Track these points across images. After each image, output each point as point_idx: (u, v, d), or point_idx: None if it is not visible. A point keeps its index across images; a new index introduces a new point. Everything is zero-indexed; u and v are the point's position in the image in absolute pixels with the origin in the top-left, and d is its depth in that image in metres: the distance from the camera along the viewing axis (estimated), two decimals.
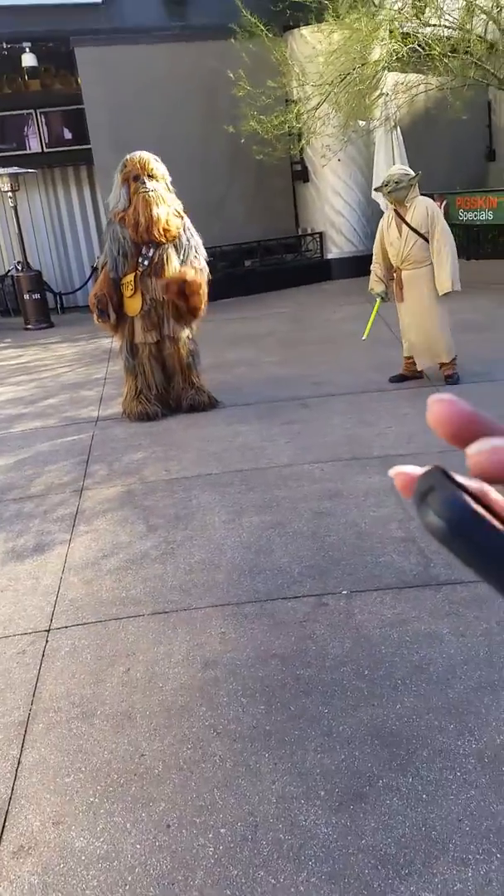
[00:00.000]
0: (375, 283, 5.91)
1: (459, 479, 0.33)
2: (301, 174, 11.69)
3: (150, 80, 10.36)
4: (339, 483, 4.23)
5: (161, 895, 1.87)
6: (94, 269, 11.89)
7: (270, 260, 11.90)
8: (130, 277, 5.58)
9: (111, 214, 5.67)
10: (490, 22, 8.74)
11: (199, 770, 2.25)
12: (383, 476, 4.24)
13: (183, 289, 5.48)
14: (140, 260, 5.52)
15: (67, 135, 12.33)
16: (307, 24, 9.50)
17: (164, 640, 2.93)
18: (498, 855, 1.89)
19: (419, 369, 5.97)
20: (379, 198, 10.26)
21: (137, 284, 5.57)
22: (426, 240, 5.59)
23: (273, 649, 2.78)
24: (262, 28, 9.08)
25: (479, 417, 0.32)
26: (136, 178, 5.44)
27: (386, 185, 5.59)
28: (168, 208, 5.53)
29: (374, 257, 5.91)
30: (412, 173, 5.60)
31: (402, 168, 5.65)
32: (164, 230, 5.48)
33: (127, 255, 5.55)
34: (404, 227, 5.61)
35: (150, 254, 5.49)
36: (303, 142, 10.04)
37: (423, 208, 5.59)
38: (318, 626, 2.90)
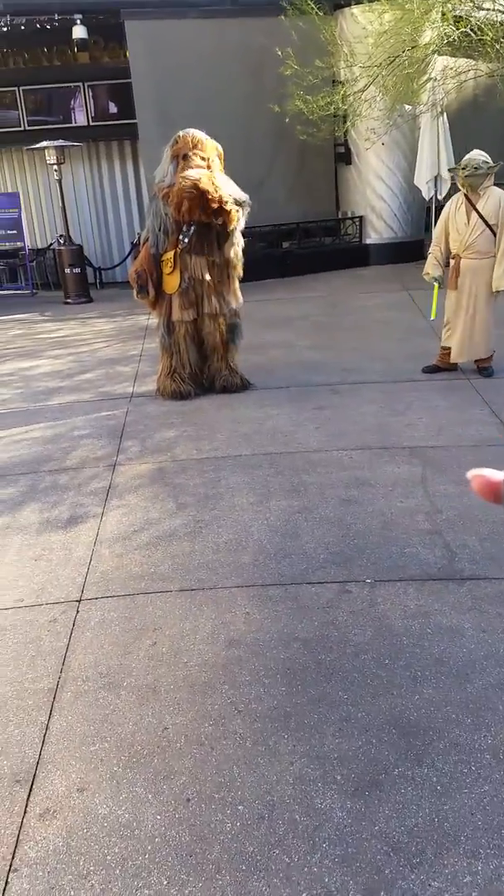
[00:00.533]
0: (432, 267, 5.83)
1: None
2: (344, 156, 11.56)
3: (198, 55, 10.29)
4: (368, 471, 4.25)
5: (179, 866, 1.94)
6: (134, 245, 11.91)
7: (309, 242, 11.82)
8: (170, 254, 5.60)
9: (155, 189, 5.64)
10: None
11: (220, 747, 2.32)
12: (412, 466, 4.25)
13: (205, 205, 5.29)
14: (180, 237, 5.52)
15: (113, 109, 12.32)
16: (359, 2, 9.34)
17: (190, 616, 2.99)
18: None
19: (453, 361, 5.92)
20: (422, 184, 10.14)
21: (177, 262, 5.58)
22: (493, 232, 5.53)
23: (296, 632, 2.83)
24: (313, 6, 8.95)
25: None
26: (185, 156, 5.42)
27: (463, 169, 5.48)
28: (224, 190, 5.36)
29: (434, 240, 5.83)
30: (491, 161, 5.50)
31: (481, 154, 5.48)
32: (226, 213, 5.34)
33: (168, 231, 5.55)
34: (473, 214, 5.54)
35: (191, 232, 5.49)
36: (348, 124, 9.92)
37: (496, 199, 5.51)
38: (340, 612, 2.94)
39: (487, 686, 2.48)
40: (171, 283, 5.67)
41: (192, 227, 5.45)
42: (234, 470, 4.43)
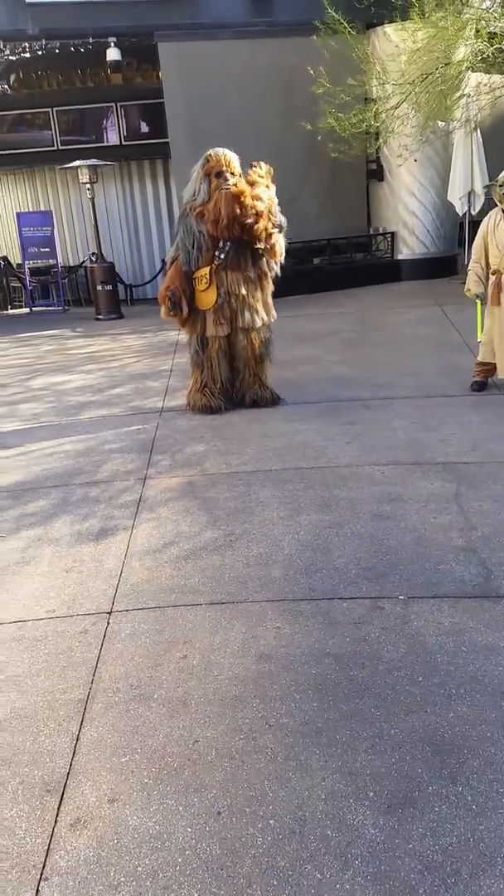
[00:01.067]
0: (474, 284, 5.83)
1: None
2: (376, 173, 11.61)
3: (230, 75, 10.44)
4: (400, 487, 4.22)
5: (210, 879, 1.93)
6: (165, 263, 12.07)
7: (340, 258, 11.86)
8: (205, 271, 5.65)
9: (186, 207, 5.71)
10: None
11: (251, 761, 2.30)
12: (445, 482, 4.21)
13: (242, 224, 5.47)
14: (216, 254, 5.58)
15: (145, 128, 12.54)
16: (391, 21, 9.41)
17: (221, 630, 2.99)
18: None
19: (501, 375, 5.84)
20: (455, 199, 10.13)
21: (212, 278, 5.64)
22: None
23: (327, 648, 2.81)
24: (346, 25, 9.04)
25: None
26: (218, 174, 5.50)
27: (501, 186, 5.50)
28: (265, 207, 5.52)
29: (473, 256, 5.84)
30: None
31: None
32: (267, 234, 5.50)
33: (202, 248, 5.61)
34: None
35: (227, 248, 5.55)
36: (380, 141, 9.97)
37: None
38: (373, 628, 2.92)
39: None
40: (207, 299, 5.71)
41: (229, 244, 5.52)
42: (265, 484, 4.43)
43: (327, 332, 8.59)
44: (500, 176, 5.55)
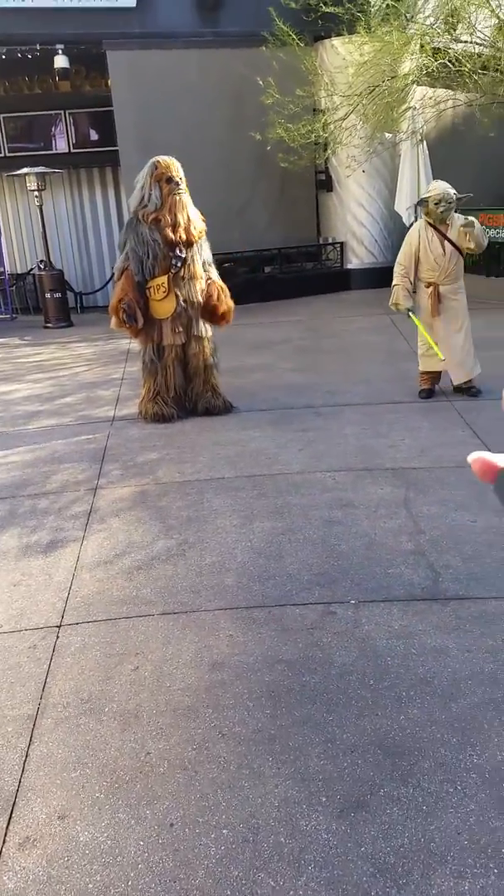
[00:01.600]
0: (404, 299, 5.79)
1: None
2: (325, 183, 11.75)
3: (180, 84, 10.46)
4: (351, 493, 4.26)
5: (163, 892, 1.91)
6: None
7: (290, 267, 11.96)
8: (163, 280, 5.62)
9: (137, 215, 5.62)
10: None
11: (204, 771, 2.28)
12: (395, 487, 4.27)
13: (215, 313, 5.80)
14: (173, 262, 5.58)
15: (94, 136, 12.45)
16: (339, 34, 9.57)
17: (173, 640, 2.97)
18: (495, 870, 1.91)
19: (456, 383, 5.94)
20: (402, 210, 10.31)
21: (171, 286, 5.62)
22: (463, 257, 5.75)
23: (280, 655, 2.82)
24: (294, 37, 9.15)
25: None
26: (168, 179, 5.50)
27: (437, 204, 5.56)
28: (196, 211, 5.66)
29: (401, 271, 5.79)
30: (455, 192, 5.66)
31: (448, 186, 5.64)
32: (199, 231, 5.65)
33: (157, 257, 5.57)
34: (447, 243, 5.68)
35: (184, 255, 5.56)
36: (328, 151, 10.10)
37: (457, 225, 5.68)
38: (325, 633, 2.93)
39: (472, 705, 2.48)
40: (165, 308, 5.67)
41: (185, 250, 5.55)
42: (218, 492, 4.42)
43: (279, 340, 8.65)
44: (436, 195, 5.64)
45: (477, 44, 8.87)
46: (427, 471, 4.50)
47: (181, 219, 5.51)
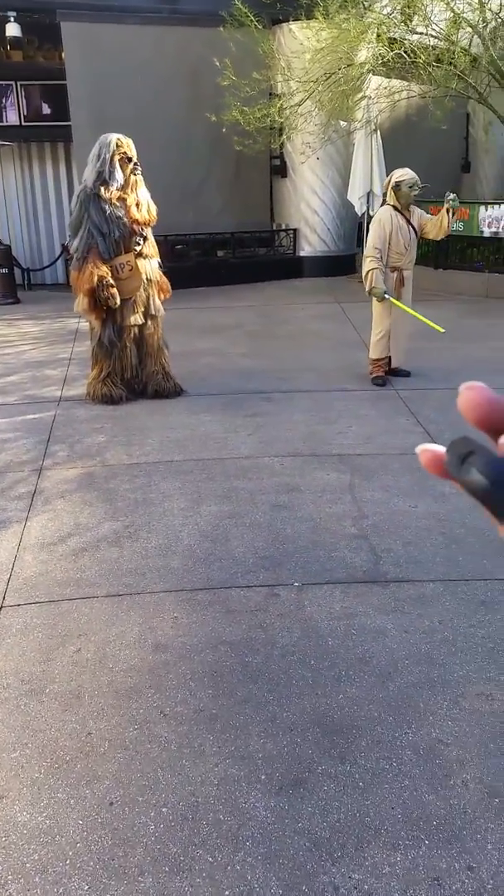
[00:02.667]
0: (381, 283, 5.78)
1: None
2: (280, 169, 11.72)
3: (135, 60, 10.26)
4: (298, 478, 4.31)
5: (101, 870, 1.92)
6: (65, 248, 11.75)
7: (244, 252, 11.92)
8: (128, 258, 5.58)
9: (98, 190, 5.43)
10: (475, 36, 8.88)
11: (144, 750, 2.30)
12: (341, 473, 4.33)
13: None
14: (136, 240, 5.58)
15: (47, 110, 12.13)
16: (296, 19, 9.52)
17: (117, 622, 2.96)
18: (426, 841, 1.98)
19: (394, 365, 6.11)
20: (354, 199, 10.38)
21: (136, 265, 5.61)
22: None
23: (224, 636, 2.84)
24: (252, 19, 9.07)
25: (501, 403, 0.37)
26: (129, 159, 5.46)
27: (416, 187, 5.69)
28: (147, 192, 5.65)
29: (376, 255, 5.73)
30: None
31: (411, 171, 5.78)
32: (154, 211, 5.68)
33: (124, 235, 5.53)
34: (410, 229, 5.83)
35: (145, 233, 5.62)
36: (283, 137, 10.08)
37: (418, 214, 5.89)
38: (268, 615, 2.97)
39: (409, 684, 2.55)
40: (130, 286, 5.63)
41: (145, 229, 5.59)
42: (166, 475, 4.41)
43: (231, 324, 8.63)
44: (408, 177, 5.70)
45: (432, 36, 8.95)
46: (372, 457, 4.58)
47: (142, 198, 5.56)
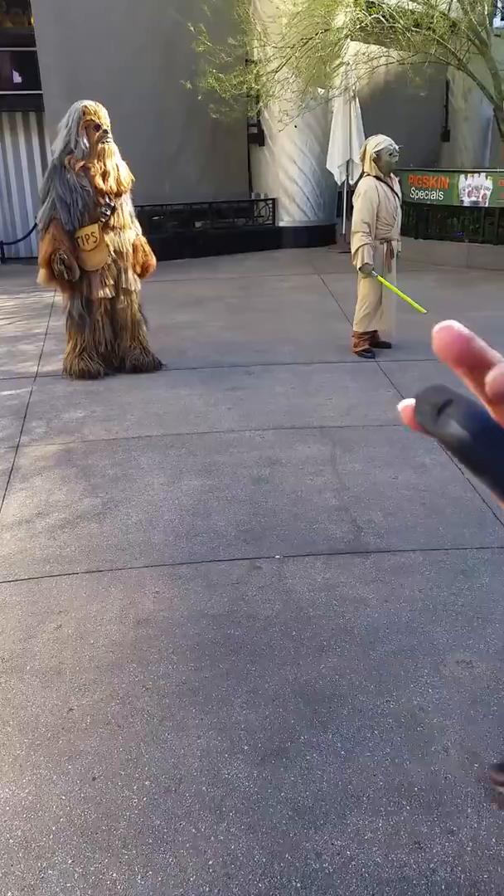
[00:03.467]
0: (371, 259, 5.63)
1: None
2: (257, 137, 11.54)
3: (108, 26, 9.99)
4: (279, 451, 4.29)
5: (85, 844, 1.92)
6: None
7: (222, 223, 11.76)
8: (93, 228, 5.43)
9: (65, 160, 5.36)
10: (454, 0, 8.73)
11: (127, 724, 2.29)
12: (322, 445, 4.32)
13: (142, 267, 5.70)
14: (103, 210, 5.41)
15: (17, 79, 11.79)
16: None
17: (98, 598, 2.94)
18: (407, 807, 2.00)
19: (382, 339, 6.09)
20: (334, 168, 10.25)
21: (101, 236, 5.45)
22: None
23: (205, 609, 2.84)
24: None
25: (478, 341, 0.35)
26: (97, 126, 5.30)
27: (395, 154, 5.59)
28: (122, 161, 5.48)
29: (363, 230, 5.60)
30: None
31: (388, 138, 5.67)
32: (127, 181, 5.49)
33: (88, 205, 5.38)
34: (395, 197, 5.73)
35: (113, 204, 5.43)
36: (261, 104, 9.90)
37: (397, 181, 5.80)
38: (249, 588, 2.97)
39: (389, 653, 2.56)
40: (95, 259, 5.50)
41: (114, 200, 5.42)
42: (146, 450, 4.37)
43: (210, 297, 8.54)
44: (385, 144, 5.57)
45: (410, 0, 8.79)
46: (353, 429, 4.56)
47: (110, 167, 5.36)
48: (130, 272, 5.66)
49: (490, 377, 0.33)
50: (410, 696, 2.38)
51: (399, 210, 5.83)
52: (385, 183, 5.70)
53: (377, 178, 5.68)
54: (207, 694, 2.40)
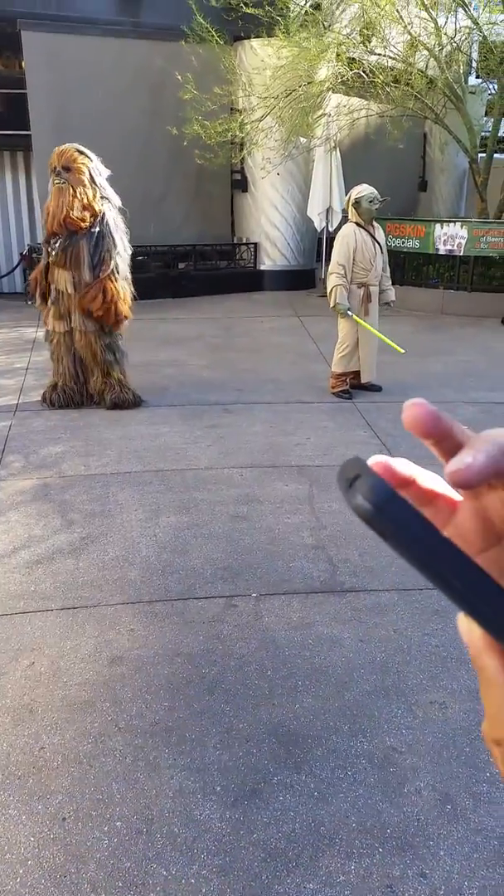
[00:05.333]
0: (344, 300, 5.82)
1: (393, 464, 0.39)
2: (240, 183, 11.81)
3: (97, 72, 10.26)
4: (257, 489, 4.32)
5: (53, 888, 1.88)
6: (23, 257, 11.69)
7: (205, 265, 11.96)
8: (40, 266, 5.83)
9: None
10: (431, 59, 9.12)
11: (99, 764, 2.27)
12: (299, 484, 4.36)
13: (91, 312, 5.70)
14: (49, 249, 5.67)
15: (7, 119, 12.02)
16: (258, 36, 9.65)
17: (72, 635, 2.92)
18: (380, 849, 1.99)
19: (364, 381, 6.18)
20: (314, 215, 10.51)
21: (45, 274, 5.75)
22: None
23: (181, 647, 2.83)
24: (214, 34, 9.16)
25: (445, 417, 0.39)
26: (53, 169, 5.54)
27: (376, 202, 5.80)
28: (77, 200, 5.47)
29: (341, 271, 5.79)
30: None
31: (370, 187, 5.88)
32: (68, 221, 5.48)
33: (47, 242, 5.74)
34: (375, 244, 5.91)
35: (57, 244, 5.60)
36: (244, 151, 10.17)
37: (380, 229, 6.01)
38: (226, 626, 2.96)
39: (364, 693, 2.57)
40: (53, 292, 5.82)
41: (59, 240, 5.58)
42: (124, 486, 4.38)
43: (192, 336, 8.64)
44: (367, 192, 5.81)
45: (390, 57, 9.16)
46: (330, 468, 4.61)
47: (56, 210, 5.49)
48: (79, 314, 5.67)
49: (447, 470, 0.37)
50: (384, 737, 2.38)
51: (380, 257, 5.97)
52: (366, 230, 5.89)
53: (357, 224, 5.88)
54: (181, 734, 2.38)
